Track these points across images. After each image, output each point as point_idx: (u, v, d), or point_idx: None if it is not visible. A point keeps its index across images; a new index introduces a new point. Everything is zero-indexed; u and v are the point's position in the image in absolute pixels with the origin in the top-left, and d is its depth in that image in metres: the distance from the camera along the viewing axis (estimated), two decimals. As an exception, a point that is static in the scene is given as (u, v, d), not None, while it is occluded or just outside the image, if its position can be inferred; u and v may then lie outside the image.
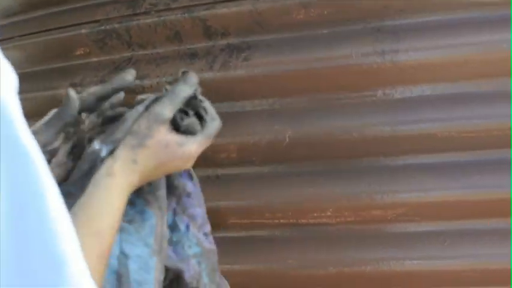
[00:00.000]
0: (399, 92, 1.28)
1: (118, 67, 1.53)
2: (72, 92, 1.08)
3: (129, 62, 1.52)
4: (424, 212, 1.30)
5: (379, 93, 1.31)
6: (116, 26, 1.52)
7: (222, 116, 1.37)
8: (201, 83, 1.37)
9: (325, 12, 1.32)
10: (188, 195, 1.14)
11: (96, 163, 1.01)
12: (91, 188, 0.98)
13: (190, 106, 1.08)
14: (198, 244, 1.13)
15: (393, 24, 1.28)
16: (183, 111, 1.07)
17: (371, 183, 1.32)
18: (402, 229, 1.33)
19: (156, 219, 1.08)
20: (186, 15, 1.43)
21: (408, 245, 1.33)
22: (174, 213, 1.13)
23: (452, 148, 1.28)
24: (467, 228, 1.29)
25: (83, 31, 1.56)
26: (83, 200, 0.98)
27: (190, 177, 1.15)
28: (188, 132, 1.06)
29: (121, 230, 1.05)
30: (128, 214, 1.07)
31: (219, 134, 1.37)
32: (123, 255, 1.05)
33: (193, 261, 1.12)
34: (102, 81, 1.53)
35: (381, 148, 1.32)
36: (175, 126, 1.06)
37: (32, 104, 1.69)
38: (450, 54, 1.26)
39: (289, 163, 1.39)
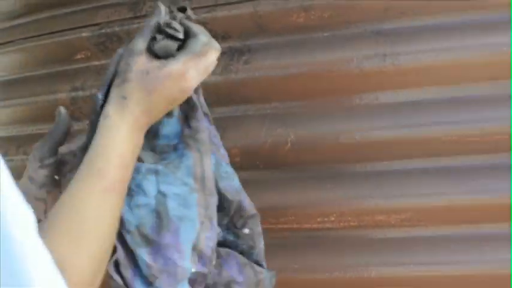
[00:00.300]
0: (401, 95, 1.26)
1: (119, 71, 1.52)
2: (62, 110, 1.15)
3: (130, 66, 1.52)
4: (428, 217, 1.29)
5: (381, 96, 1.29)
6: (117, 29, 1.51)
7: (224, 120, 1.37)
8: (202, 87, 1.37)
9: (326, 15, 1.30)
10: (215, 136, 1.18)
11: (97, 110, 1.07)
12: (95, 134, 1.04)
13: (160, 32, 1.09)
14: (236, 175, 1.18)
15: (394, 27, 1.26)
16: (154, 39, 1.08)
17: (374, 188, 1.31)
18: (406, 234, 1.32)
19: (194, 160, 1.12)
20: (186, 18, 1.42)
21: (413, 250, 1.32)
22: (213, 152, 1.16)
23: (456, 152, 1.27)
24: (473, 233, 1.28)
25: (84, 34, 1.56)
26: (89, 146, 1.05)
27: (210, 123, 1.18)
28: (168, 55, 1.07)
29: (156, 173, 1.11)
30: (169, 158, 1.14)
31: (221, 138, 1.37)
32: (161, 195, 1.11)
33: (243, 193, 1.18)
34: (103, 85, 1.52)
35: (384, 152, 1.30)
36: (155, 55, 1.07)
37: (33, 107, 1.69)
38: (452, 57, 1.25)
39: (291, 167, 1.38)
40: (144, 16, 1.48)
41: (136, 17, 1.49)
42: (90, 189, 1.01)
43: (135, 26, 1.48)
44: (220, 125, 1.37)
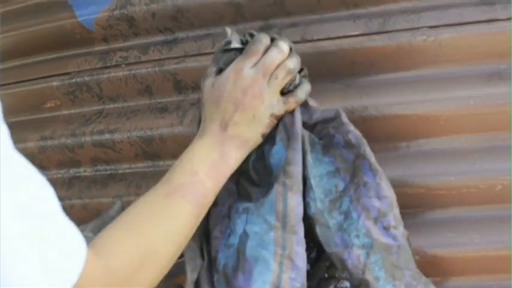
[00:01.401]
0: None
1: (89, 120, 1.52)
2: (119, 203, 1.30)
3: (99, 115, 1.51)
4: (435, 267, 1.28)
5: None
6: (87, 78, 1.51)
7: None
8: (172, 138, 1.37)
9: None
10: (364, 184, 1.13)
11: None
12: None
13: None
14: (367, 235, 1.12)
15: (362, 80, 1.27)
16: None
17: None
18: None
19: (276, 195, 1.10)
20: (156, 69, 1.42)
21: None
22: (350, 200, 1.13)
23: (454, 202, 1.26)
24: (475, 284, 1.27)
25: (54, 83, 1.55)
26: None
27: (371, 169, 1.14)
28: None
29: (247, 211, 1.13)
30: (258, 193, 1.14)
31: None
32: (245, 234, 1.12)
33: (358, 251, 1.11)
34: (73, 134, 1.52)
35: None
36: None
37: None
38: (417, 110, 1.26)
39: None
40: (115, 66, 1.48)
41: (106, 67, 1.49)
42: (155, 193, 1.05)
43: (105, 76, 1.48)
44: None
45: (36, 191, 0.82)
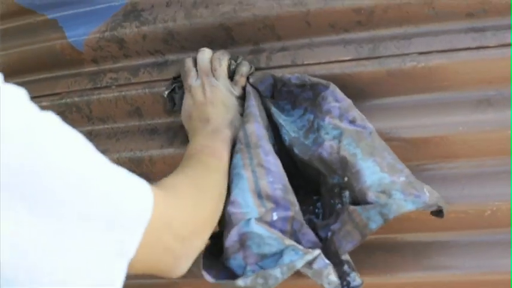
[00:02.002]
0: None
1: (78, 141, 1.51)
2: None
3: (89, 136, 1.50)
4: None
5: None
6: (77, 99, 1.50)
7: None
8: (162, 159, 1.37)
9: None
10: (323, 98, 1.23)
11: None
12: None
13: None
14: (335, 128, 1.20)
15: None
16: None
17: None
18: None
19: (240, 130, 1.24)
20: (146, 90, 1.42)
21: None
22: (315, 116, 1.24)
23: (456, 227, 1.27)
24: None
25: (43, 104, 1.54)
26: None
27: (324, 85, 1.24)
28: None
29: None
30: None
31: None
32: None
33: (329, 143, 1.19)
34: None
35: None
36: None
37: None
38: (406, 135, 1.26)
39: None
40: (105, 87, 1.48)
41: (96, 88, 1.48)
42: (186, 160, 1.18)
43: (95, 97, 1.48)
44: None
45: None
